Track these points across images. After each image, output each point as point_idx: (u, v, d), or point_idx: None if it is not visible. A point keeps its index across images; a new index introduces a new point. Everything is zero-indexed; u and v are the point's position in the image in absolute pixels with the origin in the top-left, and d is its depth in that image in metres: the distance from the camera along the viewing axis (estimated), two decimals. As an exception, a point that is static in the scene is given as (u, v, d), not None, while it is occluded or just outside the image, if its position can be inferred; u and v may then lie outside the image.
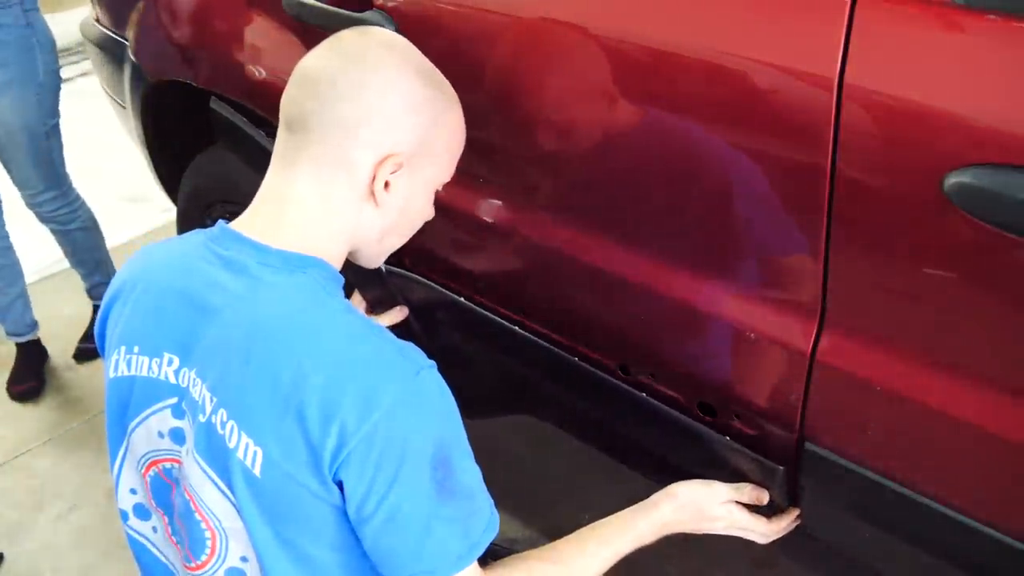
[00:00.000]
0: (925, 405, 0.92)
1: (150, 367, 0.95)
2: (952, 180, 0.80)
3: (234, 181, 1.70)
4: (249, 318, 0.89)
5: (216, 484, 0.90)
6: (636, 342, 1.18)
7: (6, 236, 2.28)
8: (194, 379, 0.92)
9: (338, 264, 0.98)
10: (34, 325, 2.43)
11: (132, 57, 1.89)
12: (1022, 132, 0.77)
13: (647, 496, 1.13)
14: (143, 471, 1.00)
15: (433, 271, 1.40)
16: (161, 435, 0.97)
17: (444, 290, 1.39)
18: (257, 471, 0.86)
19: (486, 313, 1.34)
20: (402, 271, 1.41)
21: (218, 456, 0.89)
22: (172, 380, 0.94)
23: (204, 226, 1.94)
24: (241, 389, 0.87)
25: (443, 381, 0.91)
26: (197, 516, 0.94)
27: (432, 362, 0.91)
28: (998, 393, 0.88)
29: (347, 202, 0.96)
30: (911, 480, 0.97)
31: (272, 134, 1.49)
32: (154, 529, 1.03)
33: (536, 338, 1.29)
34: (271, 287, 0.91)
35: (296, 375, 0.84)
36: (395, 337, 0.92)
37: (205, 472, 0.91)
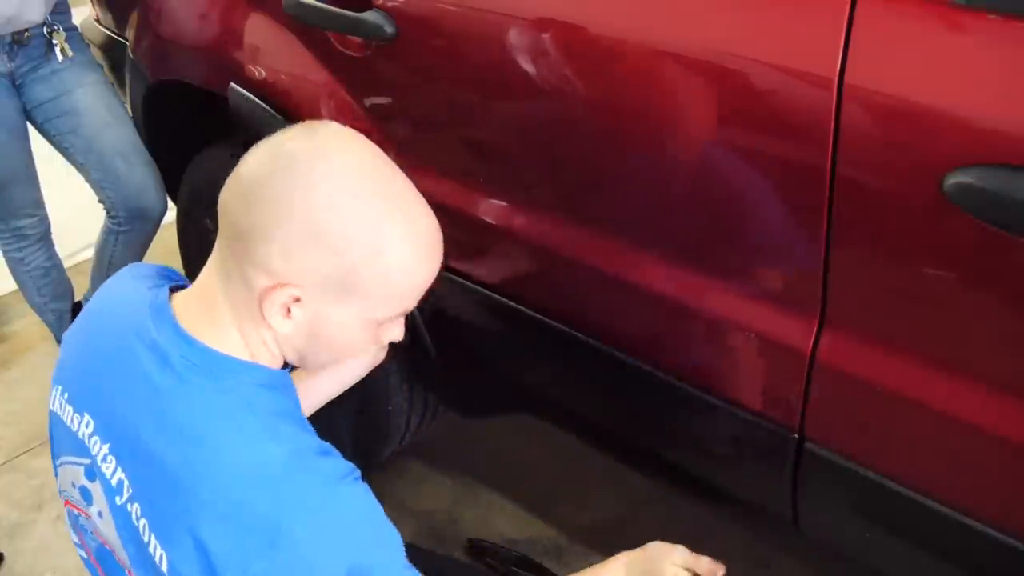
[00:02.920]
0: (925, 405, 0.92)
1: (71, 418, 0.94)
2: (952, 180, 0.80)
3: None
4: (164, 421, 0.85)
5: (133, 556, 0.89)
6: (636, 342, 1.18)
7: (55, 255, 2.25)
8: (107, 455, 0.89)
9: (277, 363, 0.92)
10: None
11: (132, 57, 1.89)
12: (1022, 132, 0.77)
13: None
14: (64, 501, 1.01)
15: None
16: (74, 485, 0.96)
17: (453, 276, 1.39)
18: (164, 569, 0.84)
19: (494, 296, 1.34)
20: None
21: (134, 541, 0.87)
22: (87, 443, 0.91)
23: (204, 227, 1.94)
24: (151, 490, 0.85)
25: (363, 492, 0.87)
26: (116, 561, 0.93)
27: (353, 470, 0.87)
28: (998, 393, 0.88)
29: (253, 315, 0.88)
30: (911, 480, 0.97)
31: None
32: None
33: (539, 316, 1.28)
34: (191, 392, 0.86)
35: (197, 501, 0.82)
36: (313, 446, 0.87)
37: (124, 546, 0.89)
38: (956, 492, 0.95)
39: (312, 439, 0.89)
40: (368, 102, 1.36)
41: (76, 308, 2.32)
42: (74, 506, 0.99)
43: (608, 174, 1.11)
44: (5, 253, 2.17)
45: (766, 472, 1.13)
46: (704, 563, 1.05)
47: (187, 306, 0.91)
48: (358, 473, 0.88)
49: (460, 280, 1.38)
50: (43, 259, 2.18)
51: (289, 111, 1.48)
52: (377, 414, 1.67)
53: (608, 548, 1.69)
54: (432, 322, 1.48)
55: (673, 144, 1.02)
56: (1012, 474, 0.90)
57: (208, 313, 0.89)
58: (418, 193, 0.90)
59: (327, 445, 0.89)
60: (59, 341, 2.33)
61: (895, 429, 0.97)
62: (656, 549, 1.06)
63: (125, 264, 2.35)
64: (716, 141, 0.98)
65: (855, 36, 0.85)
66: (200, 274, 0.92)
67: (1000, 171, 0.78)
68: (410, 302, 0.90)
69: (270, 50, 1.49)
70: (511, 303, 1.32)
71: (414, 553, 1.06)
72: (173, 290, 0.95)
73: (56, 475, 1.02)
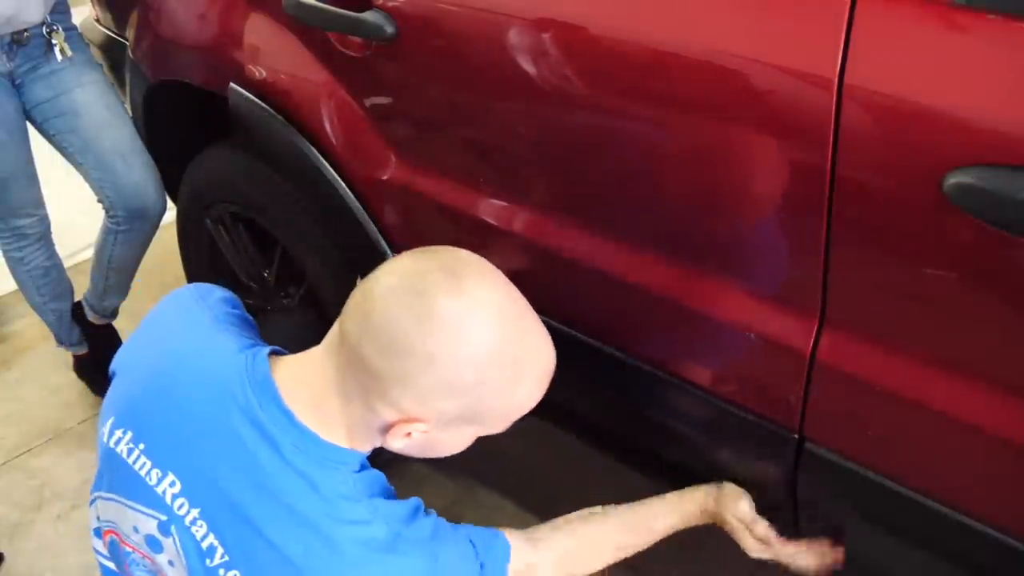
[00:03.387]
0: (925, 405, 0.92)
1: (147, 471, 0.93)
2: (952, 180, 0.80)
3: (234, 181, 1.70)
4: (275, 502, 0.88)
5: None
6: (636, 342, 1.18)
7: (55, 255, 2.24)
8: (196, 519, 0.90)
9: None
10: (82, 341, 2.38)
11: (132, 57, 1.89)
12: (1022, 132, 0.77)
13: (646, 494, 1.14)
14: (104, 532, 1.01)
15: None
16: (136, 530, 0.96)
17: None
18: None
19: None
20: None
21: None
22: (167, 502, 0.92)
23: (203, 226, 1.94)
24: (257, 566, 0.88)
25: (448, 533, 0.97)
26: None
27: (428, 517, 0.95)
28: (998, 393, 0.88)
29: (369, 428, 0.91)
30: (911, 480, 0.97)
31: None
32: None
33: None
34: (298, 475, 0.89)
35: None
36: (403, 515, 0.93)
37: None
38: (956, 492, 0.95)
39: (401, 507, 0.94)
40: (368, 102, 1.36)
41: (76, 308, 2.31)
42: (125, 543, 0.99)
43: (608, 174, 1.11)
44: (5, 253, 2.17)
45: (766, 472, 1.13)
46: (760, 528, 1.13)
47: (291, 386, 0.91)
48: (433, 513, 0.97)
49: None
50: (43, 259, 2.18)
51: (289, 111, 1.48)
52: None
53: (608, 548, 1.69)
54: None
55: (673, 144, 1.02)
56: (1012, 474, 0.90)
57: (316, 405, 0.90)
58: (541, 323, 0.94)
59: (409, 506, 0.95)
60: (59, 341, 2.33)
61: (895, 429, 0.97)
62: (728, 495, 1.15)
63: (125, 263, 2.33)
64: (716, 141, 0.98)
65: (855, 36, 0.85)
66: (308, 357, 0.93)
67: (1000, 171, 0.78)
68: (508, 424, 0.96)
69: (270, 50, 1.49)
70: None
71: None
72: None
73: (93, 504, 1.01)
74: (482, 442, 0.99)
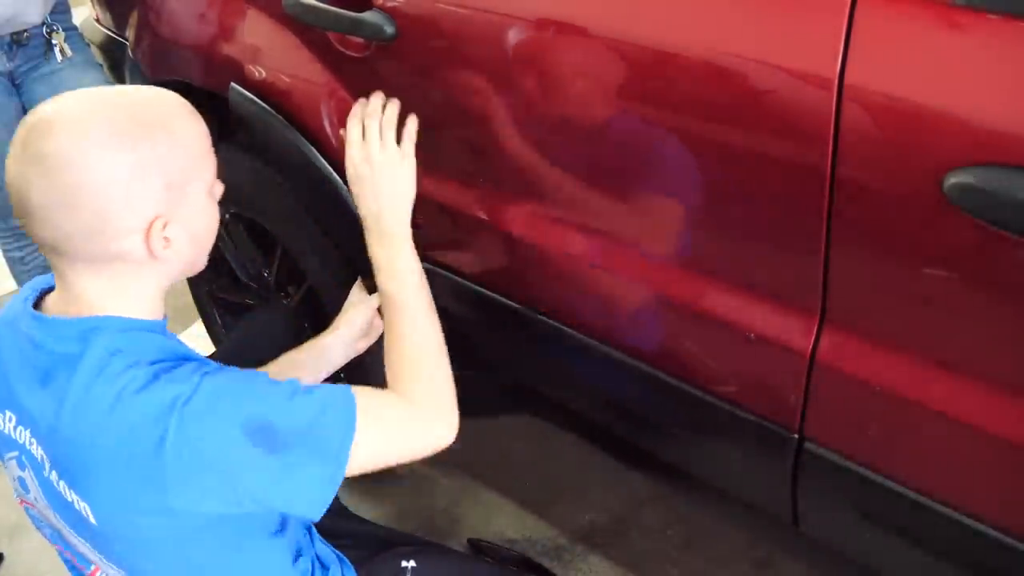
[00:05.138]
0: (925, 405, 0.92)
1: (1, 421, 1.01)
2: (952, 180, 0.80)
3: (235, 182, 1.69)
4: (55, 395, 0.92)
5: (70, 521, 0.98)
6: (637, 342, 1.18)
7: None
8: (30, 438, 0.97)
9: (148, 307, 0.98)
10: None
11: (132, 57, 1.89)
12: (1022, 132, 0.77)
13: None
14: (20, 502, 1.08)
15: (447, 263, 1.40)
16: (17, 480, 1.03)
17: (457, 278, 1.39)
18: (93, 520, 0.93)
19: (496, 296, 1.34)
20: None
21: (62, 506, 0.96)
22: (14, 436, 0.99)
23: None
24: (58, 453, 0.93)
25: (224, 373, 0.93)
26: (68, 542, 1.03)
27: (205, 366, 0.94)
28: (998, 393, 0.88)
29: (139, 277, 0.95)
30: (911, 480, 0.97)
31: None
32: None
33: (539, 316, 1.28)
34: (62, 359, 0.92)
35: (94, 442, 0.90)
36: (170, 366, 0.93)
37: (57, 514, 0.99)
38: (956, 492, 0.95)
39: (173, 358, 0.95)
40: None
41: None
42: (25, 501, 1.06)
43: (609, 175, 1.11)
44: (5, 252, 2.17)
45: (766, 472, 1.13)
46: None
47: (51, 303, 0.98)
48: (213, 365, 0.95)
49: (461, 280, 1.38)
50: (43, 258, 2.18)
51: (289, 111, 1.48)
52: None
53: (608, 548, 1.70)
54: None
55: (673, 144, 1.02)
56: (1012, 474, 0.90)
57: (66, 300, 0.95)
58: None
59: (186, 358, 0.96)
60: None
61: (895, 429, 0.97)
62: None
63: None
64: (716, 141, 0.98)
65: (855, 36, 0.85)
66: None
67: (1000, 171, 0.78)
68: (213, 159, 1.01)
69: (270, 50, 1.49)
70: (514, 304, 1.32)
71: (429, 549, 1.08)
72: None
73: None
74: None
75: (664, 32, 0.99)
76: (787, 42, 0.90)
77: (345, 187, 1.43)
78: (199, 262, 1.02)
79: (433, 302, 1.17)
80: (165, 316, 1.01)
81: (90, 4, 2.14)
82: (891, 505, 0.99)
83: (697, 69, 0.96)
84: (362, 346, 1.37)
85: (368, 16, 1.25)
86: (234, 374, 0.95)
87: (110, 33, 2.05)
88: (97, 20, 2.12)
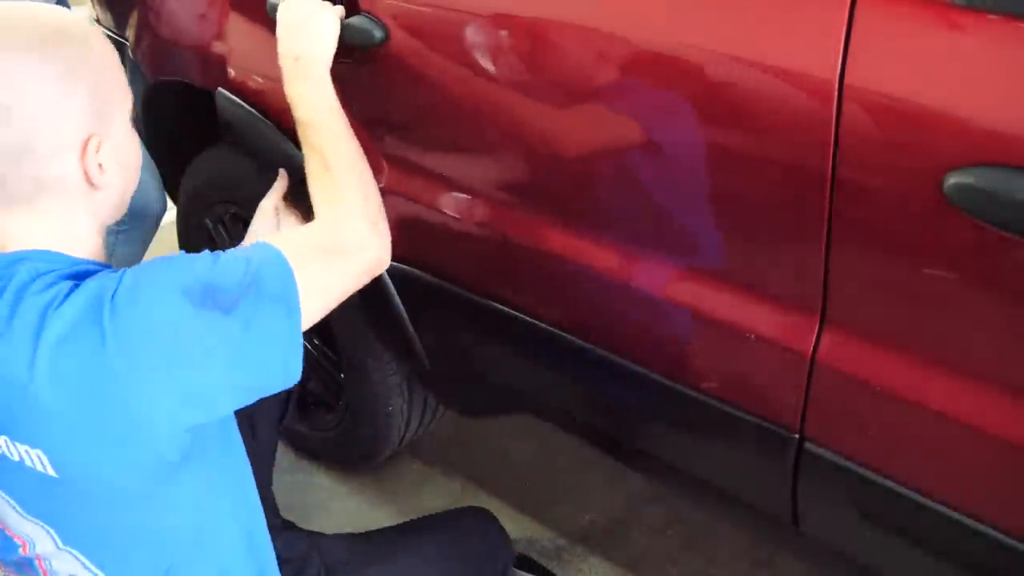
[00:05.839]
0: (925, 405, 0.92)
1: None
2: (952, 180, 0.80)
3: (235, 181, 1.69)
4: None
5: (6, 497, 0.89)
6: (636, 343, 1.18)
7: None
8: None
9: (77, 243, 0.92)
10: None
11: (132, 57, 1.89)
12: (1022, 132, 0.77)
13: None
14: None
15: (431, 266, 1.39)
16: None
17: (443, 282, 1.38)
18: (52, 471, 0.84)
19: (487, 302, 1.33)
20: (401, 266, 1.40)
21: (7, 477, 0.88)
22: None
23: (204, 227, 1.94)
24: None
25: (144, 263, 0.89)
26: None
27: (108, 271, 0.88)
28: (998, 393, 0.88)
29: (70, 212, 0.90)
30: (911, 480, 0.97)
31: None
32: None
33: (533, 321, 1.28)
34: None
35: (32, 373, 0.81)
36: (92, 271, 0.88)
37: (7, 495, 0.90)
38: (956, 492, 0.95)
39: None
40: (355, 107, 1.33)
41: None
42: None
43: (607, 177, 1.11)
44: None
45: (766, 472, 1.13)
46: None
47: None
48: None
49: (451, 287, 1.37)
50: None
51: (277, 117, 1.46)
52: (376, 415, 1.66)
53: (608, 548, 1.70)
54: (423, 330, 1.47)
55: (672, 145, 1.02)
56: (1012, 474, 0.90)
57: None
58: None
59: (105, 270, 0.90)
60: None
61: (895, 429, 0.97)
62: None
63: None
64: (716, 142, 0.98)
65: (855, 36, 0.85)
66: None
67: (1000, 171, 0.78)
68: (127, 84, 0.98)
69: (256, 54, 1.48)
70: (506, 309, 1.31)
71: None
72: None
73: None
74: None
75: (664, 33, 0.98)
76: (787, 43, 0.90)
77: None
78: (126, 199, 0.98)
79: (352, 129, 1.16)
80: (109, 265, 0.94)
81: (90, 4, 2.14)
82: (891, 505, 0.99)
83: (696, 69, 0.96)
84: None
85: (355, 21, 1.24)
86: (152, 261, 0.89)
87: (110, 33, 2.05)
88: (97, 20, 2.12)
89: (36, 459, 0.84)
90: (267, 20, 1.42)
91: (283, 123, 1.44)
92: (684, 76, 0.98)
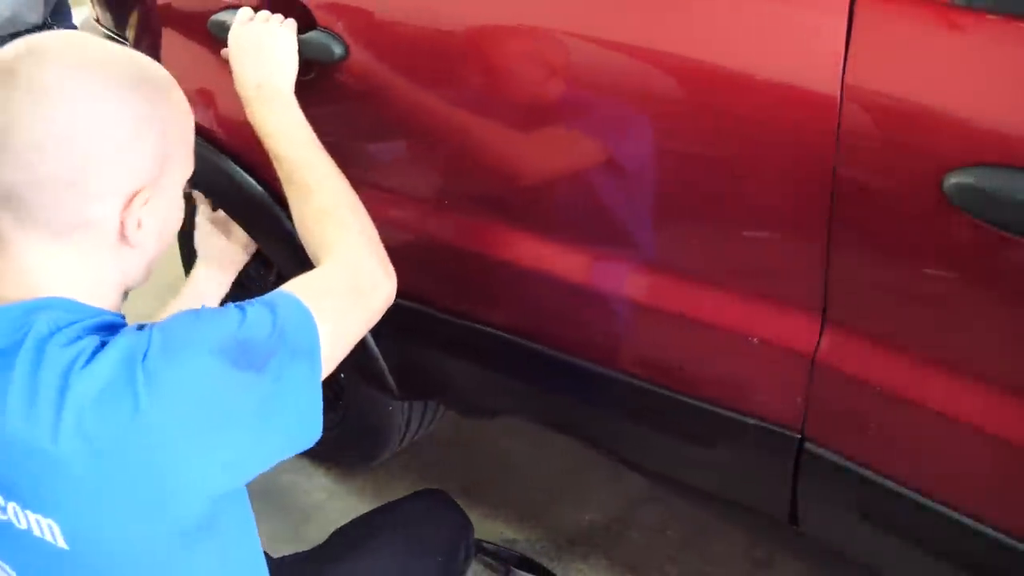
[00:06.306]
0: (926, 405, 0.92)
1: None
2: (952, 180, 0.80)
3: (235, 183, 1.69)
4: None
5: (10, 571, 0.83)
6: (637, 347, 1.18)
7: None
8: None
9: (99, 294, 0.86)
10: None
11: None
12: (1022, 132, 0.77)
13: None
14: None
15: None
16: None
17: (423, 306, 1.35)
18: (62, 543, 0.78)
19: (462, 322, 1.31)
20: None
21: (10, 538, 0.81)
22: None
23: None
24: (6, 465, 0.78)
25: (167, 320, 0.82)
26: None
27: (132, 327, 0.82)
28: (998, 393, 0.88)
29: (98, 259, 0.84)
30: (911, 480, 0.97)
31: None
32: None
33: (517, 339, 1.27)
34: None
35: (53, 437, 0.75)
36: (113, 325, 0.82)
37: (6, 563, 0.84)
38: (956, 492, 0.95)
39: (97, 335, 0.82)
40: (312, 123, 1.20)
41: None
42: None
43: (603, 180, 1.10)
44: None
45: (766, 473, 1.13)
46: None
47: None
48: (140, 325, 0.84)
49: (421, 307, 1.33)
50: None
51: (219, 139, 1.42)
52: (375, 415, 1.66)
53: (607, 548, 1.70)
54: (394, 358, 1.45)
55: (672, 146, 1.01)
56: (1012, 474, 0.90)
57: (7, 278, 0.83)
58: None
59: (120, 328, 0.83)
60: None
61: (895, 429, 0.97)
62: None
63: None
64: (717, 142, 0.98)
65: (855, 36, 0.85)
66: None
67: (1000, 171, 0.78)
68: (192, 153, 0.92)
69: (192, 74, 1.32)
70: (482, 327, 1.28)
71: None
72: None
73: None
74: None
75: (664, 34, 0.98)
76: (787, 43, 0.90)
77: (277, 207, 1.37)
78: (151, 268, 0.92)
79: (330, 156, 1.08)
80: (123, 317, 0.88)
81: (90, 4, 2.14)
82: (891, 505, 0.99)
83: (695, 70, 0.96)
84: (230, 270, 1.36)
85: (312, 37, 1.19)
86: (177, 316, 0.83)
87: (110, 33, 2.05)
88: (97, 20, 2.11)
89: (47, 529, 0.78)
90: (201, 38, 1.34)
91: (224, 147, 1.41)
92: (684, 76, 0.98)
